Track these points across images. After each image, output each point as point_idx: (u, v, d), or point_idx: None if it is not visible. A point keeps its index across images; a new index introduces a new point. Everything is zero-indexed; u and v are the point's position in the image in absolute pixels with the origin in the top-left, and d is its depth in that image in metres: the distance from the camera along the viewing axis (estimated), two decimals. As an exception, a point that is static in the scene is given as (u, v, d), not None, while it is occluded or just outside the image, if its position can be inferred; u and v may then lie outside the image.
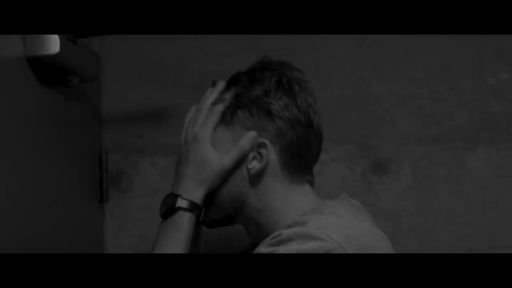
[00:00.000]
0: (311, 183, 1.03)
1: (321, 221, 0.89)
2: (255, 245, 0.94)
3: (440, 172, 1.36)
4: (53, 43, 1.05)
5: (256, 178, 0.99)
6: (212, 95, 1.06)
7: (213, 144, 0.99)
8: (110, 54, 1.46)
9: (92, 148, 1.39)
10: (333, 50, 1.41)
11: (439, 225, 1.36)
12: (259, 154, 0.99)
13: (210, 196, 1.00)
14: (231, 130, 1.00)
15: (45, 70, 1.10)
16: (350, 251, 0.84)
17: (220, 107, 1.01)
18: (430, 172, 1.37)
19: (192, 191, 0.99)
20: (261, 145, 0.99)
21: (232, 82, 1.04)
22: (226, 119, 1.01)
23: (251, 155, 0.98)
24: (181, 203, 0.99)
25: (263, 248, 0.87)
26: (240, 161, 0.98)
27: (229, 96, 1.02)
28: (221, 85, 1.06)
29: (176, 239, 0.98)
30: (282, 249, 0.84)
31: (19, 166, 1.01)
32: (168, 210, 1.00)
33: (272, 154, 0.98)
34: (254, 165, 0.98)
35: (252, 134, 0.97)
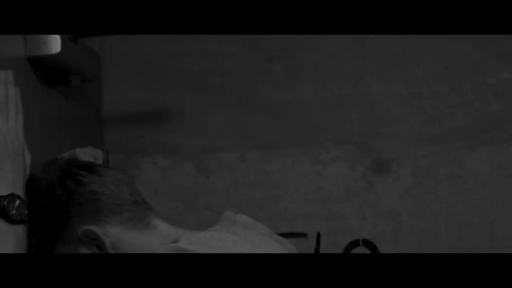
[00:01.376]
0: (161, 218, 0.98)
1: (191, 237, 0.84)
2: None
3: (441, 172, 1.36)
4: (54, 43, 1.05)
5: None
6: None
7: None
8: (111, 54, 1.46)
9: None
10: (333, 50, 1.41)
11: (439, 225, 1.36)
12: (87, 244, 0.91)
13: None
14: None
15: (46, 70, 1.10)
16: None
17: None
18: (430, 172, 1.37)
19: None
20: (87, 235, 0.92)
21: None
22: None
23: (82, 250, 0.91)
24: None
25: None
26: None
27: None
28: None
29: None
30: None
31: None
32: None
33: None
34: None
35: None
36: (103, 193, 0.91)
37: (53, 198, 0.89)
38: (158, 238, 0.91)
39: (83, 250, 0.88)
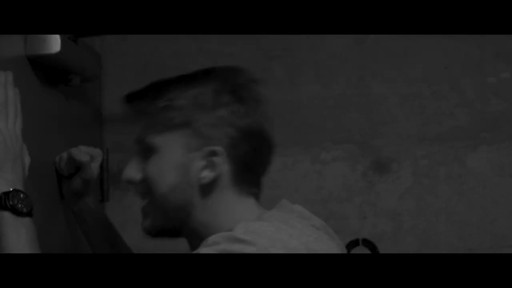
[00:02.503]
0: (257, 197, 0.95)
1: (248, 226, 0.84)
2: None
3: (441, 171, 1.36)
4: (54, 43, 1.05)
5: (205, 189, 0.91)
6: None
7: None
8: (111, 54, 1.46)
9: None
10: (333, 50, 1.41)
11: (440, 224, 1.36)
12: (211, 162, 0.90)
13: (154, 203, 0.93)
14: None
15: (46, 69, 1.10)
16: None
17: None
18: (431, 172, 1.37)
19: None
20: (213, 153, 0.90)
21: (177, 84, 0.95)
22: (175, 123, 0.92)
23: (200, 163, 0.90)
24: None
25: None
26: (188, 169, 0.91)
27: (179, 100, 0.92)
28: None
29: None
30: (205, 250, 0.81)
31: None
32: None
33: (224, 164, 0.90)
34: (206, 174, 0.90)
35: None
36: (254, 147, 0.93)
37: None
38: (242, 210, 0.92)
39: (198, 161, 0.90)
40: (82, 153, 1.08)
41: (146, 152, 0.93)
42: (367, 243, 1.36)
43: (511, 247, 1.34)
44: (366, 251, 1.36)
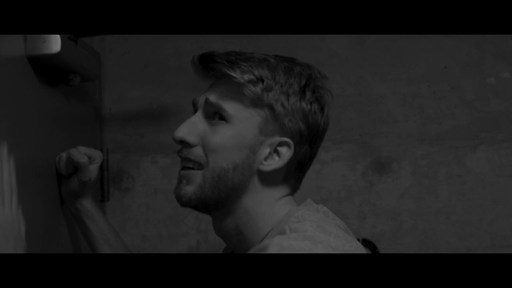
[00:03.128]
0: (294, 193, 0.97)
1: (297, 230, 0.80)
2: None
3: (441, 171, 1.36)
4: (54, 43, 1.05)
5: (261, 176, 0.88)
6: None
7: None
8: (111, 54, 1.46)
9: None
10: (333, 49, 1.41)
11: (439, 224, 1.36)
12: (278, 153, 0.89)
13: (207, 173, 0.87)
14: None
15: (46, 69, 1.10)
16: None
17: None
18: (430, 172, 1.37)
19: None
20: (283, 144, 0.89)
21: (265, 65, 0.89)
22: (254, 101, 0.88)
23: (267, 150, 0.88)
24: None
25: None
26: (255, 151, 0.88)
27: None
28: None
29: None
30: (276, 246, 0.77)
31: (20, 164, 1.01)
32: None
33: (288, 157, 0.89)
34: (270, 163, 0.88)
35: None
36: (313, 148, 0.94)
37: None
38: (284, 204, 0.91)
39: (266, 147, 0.88)
40: (80, 154, 1.08)
41: (212, 117, 0.88)
42: (367, 243, 1.36)
43: (510, 247, 1.34)
44: (366, 251, 1.36)
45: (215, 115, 0.88)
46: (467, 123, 1.37)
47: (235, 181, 0.87)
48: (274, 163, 0.88)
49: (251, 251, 0.80)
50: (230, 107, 0.87)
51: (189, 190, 0.88)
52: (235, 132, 0.87)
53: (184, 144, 0.88)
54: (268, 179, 0.89)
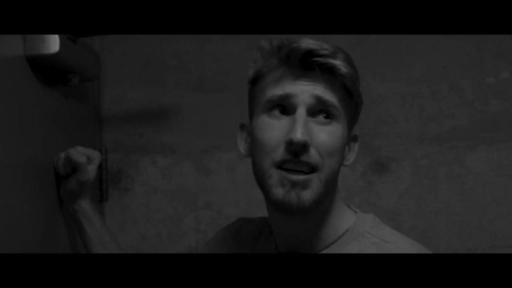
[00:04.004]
0: None
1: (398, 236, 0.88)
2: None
3: (441, 171, 1.36)
4: (53, 43, 1.05)
5: (339, 173, 0.86)
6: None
7: None
8: (110, 54, 1.46)
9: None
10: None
11: (439, 224, 1.36)
12: (353, 148, 0.90)
13: (320, 175, 0.82)
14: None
15: (45, 69, 1.10)
16: None
17: None
18: (430, 172, 1.36)
19: None
20: (355, 139, 0.90)
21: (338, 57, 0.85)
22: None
23: (346, 145, 0.86)
24: None
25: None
26: (344, 148, 0.86)
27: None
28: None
29: None
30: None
31: (19, 165, 1.01)
32: None
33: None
34: (349, 157, 0.89)
35: None
36: None
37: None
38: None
39: (346, 142, 0.88)
40: (79, 153, 1.08)
41: (317, 114, 0.82)
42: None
43: (510, 247, 1.33)
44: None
45: (320, 113, 0.82)
46: (467, 123, 1.36)
47: (336, 178, 0.86)
48: (351, 158, 0.89)
49: (336, 251, 0.84)
50: (339, 105, 0.83)
51: (307, 195, 0.80)
52: (343, 132, 0.84)
53: (304, 147, 0.79)
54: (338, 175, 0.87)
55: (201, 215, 1.41)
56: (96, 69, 1.31)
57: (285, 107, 0.82)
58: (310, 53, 0.82)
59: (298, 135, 0.77)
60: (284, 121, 0.81)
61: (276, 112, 0.82)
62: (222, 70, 1.42)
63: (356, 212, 0.93)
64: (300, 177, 0.79)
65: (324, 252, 0.85)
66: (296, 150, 0.78)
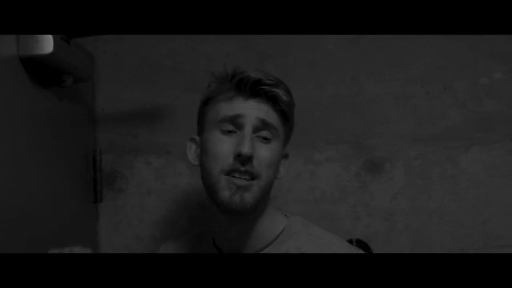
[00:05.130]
0: None
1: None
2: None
3: (434, 172, 1.37)
4: (47, 43, 1.05)
5: (273, 184, 1.03)
6: None
7: None
8: (104, 54, 1.46)
9: (86, 148, 1.39)
10: (328, 49, 1.41)
11: (433, 224, 1.36)
12: (284, 163, 1.07)
13: (260, 183, 0.98)
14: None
15: (39, 70, 1.10)
16: None
17: None
18: (424, 172, 1.37)
19: None
20: (286, 156, 1.08)
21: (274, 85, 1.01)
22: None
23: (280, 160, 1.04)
24: None
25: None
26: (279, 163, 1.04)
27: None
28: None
29: None
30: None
31: (13, 165, 1.01)
32: None
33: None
34: (281, 171, 1.05)
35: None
36: None
37: None
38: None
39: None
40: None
41: (259, 132, 0.98)
42: (360, 243, 1.36)
43: (503, 247, 1.34)
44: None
45: (262, 132, 0.98)
46: (460, 123, 1.37)
47: (271, 187, 1.01)
48: (283, 172, 1.05)
49: (270, 251, 0.99)
50: (278, 126, 1.00)
51: (249, 197, 0.95)
52: (280, 148, 1.01)
53: (249, 159, 0.95)
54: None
55: (195, 216, 1.41)
56: (90, 69, 1.31)
57: (234, 125, 0.97)
58: (258, 82, 0.97)
59: (246, 149, 0.93)
60: (233, 137, 0.96)
61: (227, 128, 0.97)
62: (217, 71, 1.42)
63: (286, 215, 1.07)
64: (244, 182, 0.94)
65: (266, 250, 1.00)
66: (243, 161, 0.94)
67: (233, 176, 0.94)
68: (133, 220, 1.43)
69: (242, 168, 0.94)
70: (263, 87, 0.97)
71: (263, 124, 0.98)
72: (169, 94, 1.44)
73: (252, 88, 0.97)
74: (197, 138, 1.04)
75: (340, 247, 1.01)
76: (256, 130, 0.97)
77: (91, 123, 1.42)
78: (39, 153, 1.11)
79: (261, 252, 1.01)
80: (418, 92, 1.38)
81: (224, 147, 0.96)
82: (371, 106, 1.39)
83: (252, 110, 0.97)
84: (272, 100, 0.99)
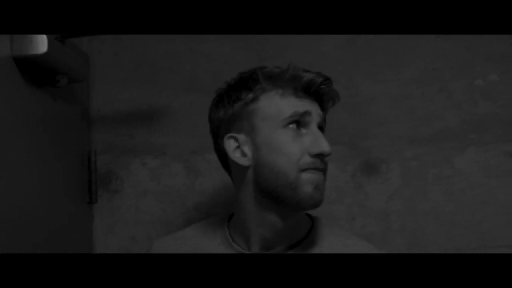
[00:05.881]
0: None
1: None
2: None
3: (430, 172, 1.37)
4: (41, 43, 1.04)
5: None
6: None
7: None
8: (99, 54, 1.45)
9: (81, 149, 1.38)
10: (325, 50, 1.41)
11: (428, 225, 1.36)
12: None
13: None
14: None
15: (33, 70, 1.10)
16: None
17: None
18: (420, 173, 1.37)
19: None
20: None
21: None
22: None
23: None
24: None
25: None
26: None
27: None
28: None
29: None
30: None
31: (7, 167, 1.01)
32: None
33: None
34: None
35: None
36: None
37: None
38: None
39: None
40: None
41: (322, 131, 1.00)
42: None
43: (498, 247, 1.34)
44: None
45: (321, 129, 1.00)
46: (456, 124, 1.37)
47: None
48: None
49: (304, 250, 0.99)
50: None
51: (323, 192, 0.97)
52: None
53: (326, 156, 0.96)
54: None
55: (191, 217, 1.41)
56: (85, 69, 1.31)
57: (299, 122, 0.96)
58: (313, 81, 0.98)
59: (328, 147, 0.94)
60: (301, 134, 0.96)
61: (293, 126, 0.96)
62: (215, 71, 1.42)
63: (307, 214, 1.07)
64: (321, 177, 0.96)
65: (297, 249, 1.00)
66: (322, 159, 0.95)
67: (311, 173, 0.95)
68: (129, 221, 1.43)
69: (321, 166, 0.96)
70: (322, 86, 0.98)
71: (323, 121, 0.99)
72: (166, 95, 1.43)
73: (310, 87, 0.97)
74: (237, 136, 0.99)
75: (370, 248, 1.02)
76: (318, 127, 0.99)
77: (86, 123, 1.42)
78: (34, 154, 1.11)
79: (291, 251, 1.00)
80: (414, 93, 1.38)
81: (297, 145, 0.95)
82: (368, 107, 1.39)
83: (313, 107, 0.98)
84: (323, 98, 1.00)
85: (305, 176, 0.94)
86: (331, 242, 1.01)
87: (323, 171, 0.97)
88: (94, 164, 1.41)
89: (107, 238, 1.43)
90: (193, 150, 1.42)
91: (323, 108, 1.01)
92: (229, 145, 0.99)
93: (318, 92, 0.98)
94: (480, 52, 1.37)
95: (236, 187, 1.02)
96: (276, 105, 0.96)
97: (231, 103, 1.00)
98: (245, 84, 0.99)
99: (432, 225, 1.36)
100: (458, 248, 1.35)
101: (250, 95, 0.98)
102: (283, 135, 0.95)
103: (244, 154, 0.98)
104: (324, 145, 0.94)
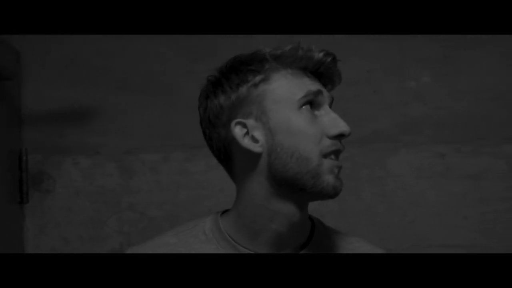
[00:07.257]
0: None
1: None
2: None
3: (363, 173, 1.38)
4: (-38, 40, 1.01)
5: None
6: None
7: None
8: (32, 52, 1.42)
9: (11, 148, 1.36)
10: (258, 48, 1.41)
11: (361, 225, 1.38)
12: None
13: None
14: None
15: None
16: None
17: None
18: (353, 174, 1.38)
19: None
20: None
21: None
22: None
23: None
24: None
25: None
26: None
27: None
28: None
29: None
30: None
31: None
32: None
33: None
34: None
35: None
36: None
37: None
38: None
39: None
40: None
41: None
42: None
43: (430, 247, 1.37)
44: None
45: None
46: (388, 126, 1.39)
47: None
48: None
49: (315, 250, 0.92)
50: None
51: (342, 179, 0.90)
52: None
53: (347, 136, 0.89)
54: None
55: (124, 217, 1.39)
56: (16, 67, 1.28)
57: (313, 103, 0.88)
58: (322, 60, 0.90)
59: (347, 127, 0.87)
60: (318, 116, 0.88)
61: (307, 107, 0.87)
62: (147, 71, 1.41)
63: None
64: (341, 164, 0.89)
65: (308, 249, 0.92)
66: (340, 140, 0.88)
67: (331, 158, 0.87)
68: (61, 222, 1.41)
69: (342, 148, 0.89)
70: (331, 66, 0.91)
71: (332, 102, 0.91)
72: (99, 94, 1.42)
73: (320, 67, 0.90)
74: (246, 121, 0.89)
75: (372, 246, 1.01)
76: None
77: (17, 122, 1.39)
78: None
79: (303, 251, 0.92)
80: (348, 95, 1.40)
81: (316, 127, 0.86)
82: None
83: (324, 88, 0.91)
84: (332, 78, 0.93)
85: (327, 163, 0.86)
86: (335, 240, 0.98)
87: (340, 153, 0.90)
88: (25, 163, 1.38)
89: (39, 238, 1.40)
90: (127, 150, 1.40)
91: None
92: (237, 132, 0.89)
93: (327, 71, 0.91)
94: (412, 55, 1.40)
95: (241, 179, 0.91)
96: (288, 85, 0.88)
97: (233, 87, 0.89)
98: (249, 66, 0.89)
99: (365, 226, 1.38)
100: (390, 248, 1.37)
101: (258, 77, 0.88)
102: (301, 117, 0.87)
103: (255, 140, 0.88)
104: (342, 125, 0.87)
